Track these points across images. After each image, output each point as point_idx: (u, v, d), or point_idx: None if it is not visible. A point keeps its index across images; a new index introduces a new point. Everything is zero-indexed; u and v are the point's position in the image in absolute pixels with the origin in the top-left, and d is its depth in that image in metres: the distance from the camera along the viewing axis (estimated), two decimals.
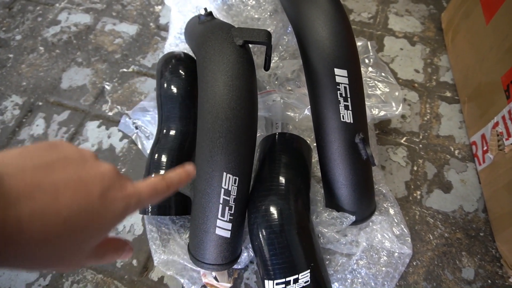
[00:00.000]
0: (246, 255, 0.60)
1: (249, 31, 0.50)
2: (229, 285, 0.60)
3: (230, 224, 0.51)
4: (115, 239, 0.32)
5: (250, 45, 0.58)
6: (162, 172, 0.60)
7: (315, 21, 0.53)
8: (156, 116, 0.69)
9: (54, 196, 0.22)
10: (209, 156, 0.48)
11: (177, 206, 0.60)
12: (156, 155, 0.61)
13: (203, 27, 0.55)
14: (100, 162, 0.28)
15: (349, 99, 0.53)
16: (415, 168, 0.71)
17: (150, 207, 0.59)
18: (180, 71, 0.66)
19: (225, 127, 0.47)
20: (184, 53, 0.69)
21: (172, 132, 0.63)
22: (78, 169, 0.25)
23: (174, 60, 0.68)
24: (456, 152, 0.72)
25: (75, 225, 0.23)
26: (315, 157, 0.68)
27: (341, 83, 0.52)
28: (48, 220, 0.22)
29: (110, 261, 0.31)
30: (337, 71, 0.52)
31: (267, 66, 0.54)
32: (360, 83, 0.55)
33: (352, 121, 0.53)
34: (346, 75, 0.52)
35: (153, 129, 0.75)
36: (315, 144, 0.70)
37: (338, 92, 0.52)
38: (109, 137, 0.78)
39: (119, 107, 0.82)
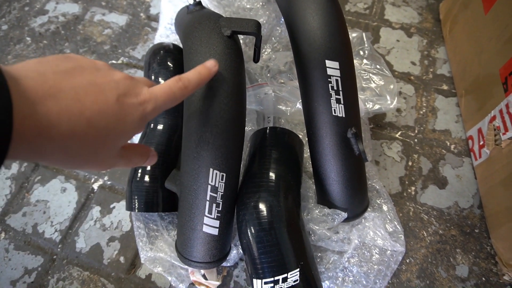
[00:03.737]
0: (235, 252, 0.59)
1: (237, 21, 0.48)
2: (218, 283, 0.59)
3: (218, 222, 0.50)
4: (139, 146, 0.35)
5: (240, 36, 0.56)
6: (148, 169, 0.58)
7: (306, 10, 0.50)
8: None
9: (76, 98, 0.24)
10: (195, 152, 0.46)
11: (165, 203, 0.59)
12: None
13: (191, 17, 0.53)
14: (114, 70, 0.30)
15: (341, 92, 0.51)
16: (410, 163, 0.69)
17: (137, 204, 0.57)
18: (169, 63, 0.64)
19: (212, 121, 0.45)
20: (173, 45, 0.67)
21: (160, 126, 0.61)
22: (93, 75, 0.27)
23: (162, 52, 0.65)
24: (452, 146, 0.71)
25: (98, 125, 0.25)
26: (307, 152, 0.66)
27: (333, 76, 0.50)
28: (74, 118, 0.24)
29: (136, 165, 0.35)
30: (328, 63, 0.49)
31: (256, 58, 0.52)
32: (352, 75, 0.53)
33: (344, 115, 0.51)
34: (338, 67, 0.50)
35: None
36: (307, 139, 0.69)
37: (330, 85, 0.50)
38: None
39: None
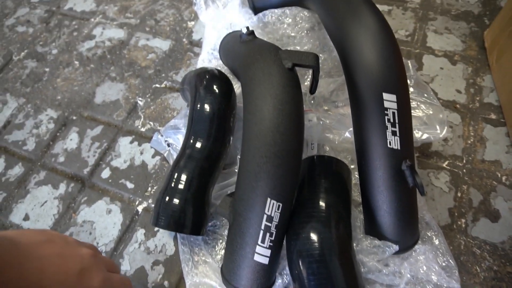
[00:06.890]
0: (281, 281, 0.58)
1: (297, 54, 0.49)
2: None
3: (270, 251, 0.50)
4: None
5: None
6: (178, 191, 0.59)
7: (362, 44, 0.51)
8: None
9: (39, 268, 0.28)
10: (254, 181, 0.46)
11: (193, 226, 0.58)
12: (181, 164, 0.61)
13: (247, 47, 0.54)
14: (82, 246, 0.34)
15: (397, 124, 0.50)
16: (459, 194, 0.68)
17: (163, 220, 0.57)
18: (215, 89, 0.64)
19: (273, 152, 0.45)
20: (218, 70, 0.68)
21: (198, 145, 0.61)
22: (61, 249, 0.31)
23: (208, 76, 0.66)
24: (504, 178, 0.68)
25: None
26: (353, 180, 0.66)
27: (390, 108, 0.50)
28: (32, 286, 0.27)
29: None
30: (385, 95, 0.49)
31: (313, 89, 0.53)
32: (408, 107, 0.52)
33: (399, 148, 0.51)
34: (395, 100, 0.50)
35: None
36: (352, 166, 0.68)
37: (386, 117, 0.50)
38: (141, 153, 0.78)
39: (151, 123, 0.82)
